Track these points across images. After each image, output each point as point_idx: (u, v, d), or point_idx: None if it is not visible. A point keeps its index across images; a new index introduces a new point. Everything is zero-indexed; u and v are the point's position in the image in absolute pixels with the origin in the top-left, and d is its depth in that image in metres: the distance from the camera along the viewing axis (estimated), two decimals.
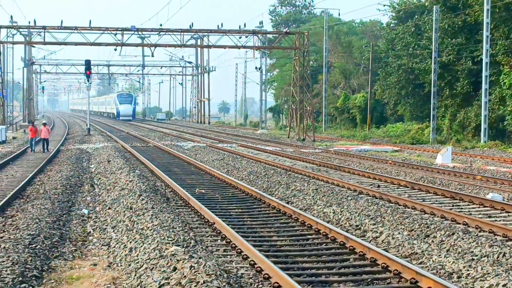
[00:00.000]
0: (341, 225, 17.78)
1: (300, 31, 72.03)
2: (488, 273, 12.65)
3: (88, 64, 66.88)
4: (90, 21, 62.87)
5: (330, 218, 18.76)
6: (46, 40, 64.24)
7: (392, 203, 21.27)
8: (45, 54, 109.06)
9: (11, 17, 70.82)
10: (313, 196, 22.59)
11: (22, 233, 16.68)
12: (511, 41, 54.67)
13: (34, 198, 22.83)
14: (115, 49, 69.86)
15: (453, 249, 14.86)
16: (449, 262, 13.57)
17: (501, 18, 55.71)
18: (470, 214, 19.56)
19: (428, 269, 13.10)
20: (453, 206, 21.29)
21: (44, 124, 46.13)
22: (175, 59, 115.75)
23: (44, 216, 19.09)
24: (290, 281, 11.64)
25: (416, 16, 70.58)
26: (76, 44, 64.39)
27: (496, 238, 15.73)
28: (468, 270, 13.00)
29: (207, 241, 15.96)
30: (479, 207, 20.99)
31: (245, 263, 13.75)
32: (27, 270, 13.25)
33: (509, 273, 12.72)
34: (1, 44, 66.81)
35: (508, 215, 19.61)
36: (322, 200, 21.81)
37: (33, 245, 15.39)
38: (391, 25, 78.83)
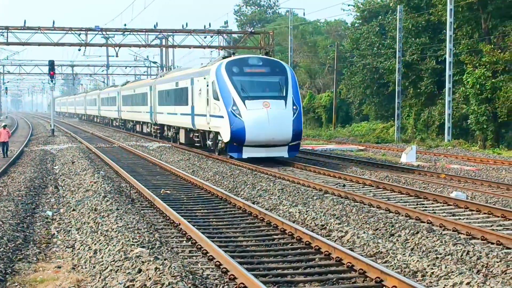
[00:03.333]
0: (307, 225, 17.83)
1: (265, 31, 71.97)
2: (452, 272, 12.75)
3: (51, 64, 66.40)
4: (53, 21, 62.17)
5: (295, 218, 18.81)
6: (9, 41, 63.73)
7: (357, 202, 21.38)
8: (8, 54, 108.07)
9: None
10: (278, 196, 22.65)
11: None
12: (474, 41, 55.30)
13: None
14: (79, 49, 69.35)
15: (417, 247, 14.97)
16: (413, 261, 13.65)
17: (464, 18, 56.33)
18: (434, 212, 19.71)
19: (393, 268, 13.18)
20: (417, 204, 21.45)
21: (4, 127, 43.40)
22: (140, 59, 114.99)
23: (8, 218, 18.95)
24: (255, 281, 11.65)
25: (380, 16, 71.07)
26: (39, 44, 63.79)
27: (459, 237, 15.87)
28: (432, 268, 13.09)
29: (173, 242, 15.92)
30: (443, 206, 21.18)
31: (211, 264, 13.75)
32: None
33: (472, 271, 12.85)
34: None
35: (472, 214, 19.78)
36: (288, 200, 21.87)
37: None
38: (356, 24, 79.22)
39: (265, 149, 34.76)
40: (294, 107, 34.63)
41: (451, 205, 21.06)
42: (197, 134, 43.14)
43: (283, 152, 35.04)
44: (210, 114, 36.74)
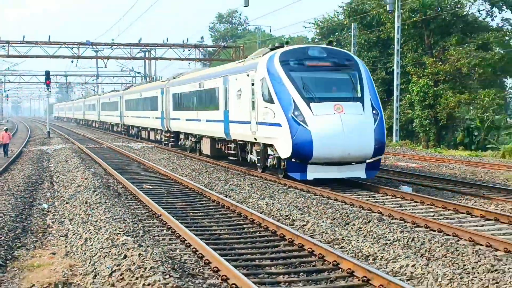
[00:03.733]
0: (273, 215, 17.81)
1: (236, 45, 72.01)
2: (399, 255, 12.82)
3: (47, 74, 66.00)
4: (49, 36, 62.08)
5: (263, 209, 18.78)
6: (9, 53, 63.36)
7: (317, 195, 21.39)
8: (9, 65, 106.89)
9: None
10: (248, 190, 22.62)
11: None
12: (419, 54, 56.41)
13: None
14: (72, 61, 69.09)
15: (369, 235, 15.01)
16: (366, 246, 13.71)
17: (410, 35, 57.57)
18: (384, 204, 19.76)
19: (348, 253, 13.23)
20: (369, 197, 21.49)
21: (6, 130, 43.84)
22: (126, 70, 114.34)
23: (8, 210, 18.86)
24: (228, 265, 11.65)
25: (337, 33, 71.29)
26: (37, 57, 63.52)
27: (406, 225, 15.95)
28: (382, 253, 13.16)
29: (155, 231, 15.88)
30: (391, 198, 21.24)
31: (188, 250, 13.73)
32: None
33: (417, 255, 12.91)
34: None
35: (416, 205, 19.86)
36: (256, 193, 21.85)
37: None
38: (316, 40, 79.36)
39: (337, 168, 23.51)
40: (374, 112, 23.81)
41: (398, 197, 21.15)
42: (231, 146, 30.64)
43: (359, 172, 23.84)
44: (258, 121, 25.23)
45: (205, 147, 34.98)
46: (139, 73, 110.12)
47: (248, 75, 26.19)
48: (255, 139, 26.13)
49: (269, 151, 25.31)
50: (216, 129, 31.86)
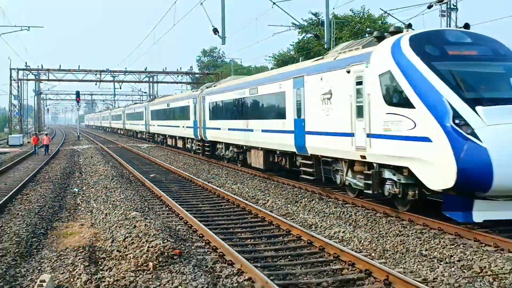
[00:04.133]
0: (243, 196, 17.87)
1: (216, 72, 72.10)
2: (333, 224, 12.97)
3: (77, 93, 65.30)
4: (79, 66, 62.19)
5: (236, 191, 18.82)
6: (49, 78, 63.08)
7: (275, 181, 21.44)
8: (49, 87, 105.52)
9: (26, 63, 68.93)
10: (225, 178, 22.64)
11: (34, 204, 16.45)
12: None
13: (41, 182, 22.39)
14: (96, 84, 68.55)
15: (313, 210, 15.12)
16: (310, 218, 13.83)
17: None
18: (323, 188, 19.87)
19: (297, 223, 13.31)
20: (312, 184, 21.60)
21: (46, 134, 44.10)
22: (135, 90, 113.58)
23: (48, 193, 18.86)
24: (209, 232, 11.72)
25: (288, 64, 71.43)
26: (69, 81, 63.43)
27: (338, 202, 16.05)
28: (321, 223, 13.28)
29: (157, 208, 15.88)
30: (328, 183, 21.31)
31: (181, 222, 13.76)
32: (36, 229, 13.06)
33: (346, 224, 13.04)
34: (19, 81, 65.36)
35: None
36: (231, 180, 21.88)
37: (41, 213, 15.15)
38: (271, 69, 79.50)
39: None
40: None
41: (334, 184, 21.21)
42: (304, 161, 19.06)
43: None
44: (370, 132, 13.87)
45: (255, 159, 23.41)
46: (145, 93, 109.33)
47: (348, 72, 14.73)
48: (363, 157, 14.46)
49: (388, 175, 13.69)
50: (278, 141, 20.37)
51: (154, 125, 51.03)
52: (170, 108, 42.27)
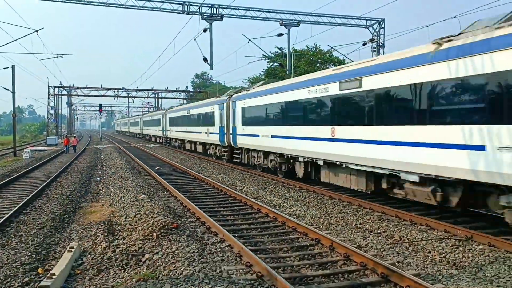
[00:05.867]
0: (225, 183, 17.79)
1: (206, 91, 71.60)
2: (292, 205, 12.97)
3: (100, 106, 64.65)
4: (101, 84, 61.67)
5: (219, 180, 18.74)
6: (78, 94, 62.28)
7: (250, 173, 21.39)
8: (78, 100, 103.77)
9: (60, 82, 68.04)
10: (212, 170, 22.50)
11: (65, 190, 16.12)
12: None
13: (72, 172, 21.97)
14: (114, 98, 67.64)
15: (277, 194, 15.12)
16: (275, 200, 13.81)
17: None
18: (287, 178, 19.89)
19: (265, 204, 13.29)
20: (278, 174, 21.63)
21: (75, 136, 43.53)
22: (144, 103, 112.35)
23: (77, 181, 18.48)
24: (199, 210, 11.61)
25: None
26: (94, 96, 62.63)
27: (296, 188, 16.10)
28: (283, 203, 13.27)
29: (160, 192, 15.69)
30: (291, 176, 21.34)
31: (178, 203, 13.60)
32: (67, 208, 12.81)
33: (302, 205, 13.04)
34: (55, 96, 64.96)
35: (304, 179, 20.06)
36: (216, 171, 21.75)
37: (71, 196, 14.85)
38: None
39: None
40: None
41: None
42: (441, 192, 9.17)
43: None
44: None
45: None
46: (152, 105, 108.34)
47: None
48: None
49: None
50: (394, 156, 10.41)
51: (172, 131, 42.05)
52: (191, 115, 33.73)
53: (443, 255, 8.19)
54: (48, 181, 17.84)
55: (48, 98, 64.03)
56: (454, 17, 16.27)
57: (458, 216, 10.80)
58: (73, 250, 8.13)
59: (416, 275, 7.10)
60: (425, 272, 7.35)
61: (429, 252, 8.38)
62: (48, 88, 63.87)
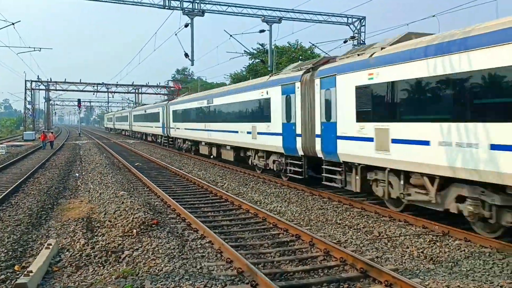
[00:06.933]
0: (206, 180, 17.76)
1: (187, 87, 71.19)
2: (273, 201, 13.03)
3: (79, 101, 63.84)
4: (80, 79, 60.56)
5: (200, 176, 18.70)
6: (56, 88, 61.32)
7: (230, 169, 21.39)
8: (56, 95, 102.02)
9: (38, 76, 66.86)
10: (193, 166, 22.43)
11: (43, 185, 15.90)
12: None
13: (49, 168, 21.65)
14: (93, 94, 66.78)
15: (258, 190, 15.16)
16: (256, 196, 13.86)
17: None
18: (267, 174, 19.96)
19: (246, 200, 13.32)
20: (262, 172, 21.67)
21: (52, 132, 42.70)
22: (125, 99, 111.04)
23: (55, 177, 18.24)
24: (180, 207, 11.59)
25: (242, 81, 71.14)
26: (73, 90, 61.90)
27: (277, 185, 16.17)
28: (264, 200, 13.32)
29: (139, 189, 15.58)
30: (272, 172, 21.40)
31: (158, 199, 13.54)
32: (45, 204, 12.64)
33: (283, 201, 13.13)
34: (32, 90, 63.76)
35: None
36: (197, 168, 21.71)
37: (49, 192, 14.66)
38: (228, 84, 79.01)
39: None
40: None
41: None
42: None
43: None
44: None
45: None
46: (132, 101, 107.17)
47: None
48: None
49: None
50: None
51: (180, 128, 29.83)
52: (215, 106, 22.34)
53: (421, 250, 8.34)
54: (25, 177, 17.54)
55: (25, 93, 62.82)
56: (433, 15, 16.56)
57: (436, 213, 11.03)
58: (51, 247, 8.02)
59: (394, 270, 7.22)
60: (403, 267, 7.48)
61: (407, 247, 8.53)
62: (25, 82, 62.70)
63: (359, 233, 9.55)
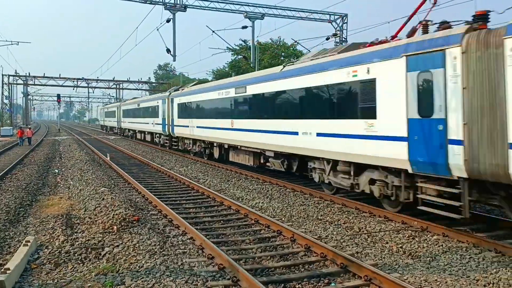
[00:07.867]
0: (188, 176, 17.70)
1: (169, 82, 70.67)
2: (255, 197, 13.06)
3: (58, 96, 62.41)
4: (60, 74, 59.69)
5: (182, 172, 18.63)
6: (35, 83, 60.21)
7: (213, 165, 21.35)
8: (35, 90, 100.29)
9: (15, 70, 65.65)
10: (174, 163, 22.33)
11: (21, 182, 15.65)
12: None
13: (28, 164, 21.31)
14: (73, 89, 65.80)
15: (240, 186, 15.18)
16: (238, 193, 13.87)
17: None
18: (249, 171, 19.98)
19: (228, 196, 13.32)
20: (240, 167, 21.67)
21: (30, 128, 41.65)
22: (106, 94, 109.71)
23: (34, 173, 17.97)
24: (161, 203, 11.55)
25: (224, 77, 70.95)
26: (52, 85, 60.92)
27: (259, 181, 16.21)
28: (246, 196, 13.35)
29: (121, 185, 15.46)
30: (255, 168, 21.42)
31: (140, 195, 13.46)
32: (23, 201, 12.45)
33: (265, 197, 13.16)
34: (10, 85, 62.54)
35: (269, 171, 20.19)
36: (179, 164, 21.61)
37: (27, 188, 14.45)
38: (211, 79, 78.61)
39: None
40: None
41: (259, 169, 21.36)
42: None
43: None
44: None
45: None
46: (113, 97, 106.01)
47: None
48: None
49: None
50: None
51: (194, 126, 22.85)
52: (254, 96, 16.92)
53: (400, 245, 8.48)
54: (2, 173, 17.22)
55: (2, 87, 61.63)
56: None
57: (415, 208, 11.20)
58: (29, 244, 7.91)
59: (374, 265, 7.33)
60: (383, 262, 7.59)
61: (387, 242, 8.66)
62: (2, 77, 61.55)
63: (339, 229, 9.65)
